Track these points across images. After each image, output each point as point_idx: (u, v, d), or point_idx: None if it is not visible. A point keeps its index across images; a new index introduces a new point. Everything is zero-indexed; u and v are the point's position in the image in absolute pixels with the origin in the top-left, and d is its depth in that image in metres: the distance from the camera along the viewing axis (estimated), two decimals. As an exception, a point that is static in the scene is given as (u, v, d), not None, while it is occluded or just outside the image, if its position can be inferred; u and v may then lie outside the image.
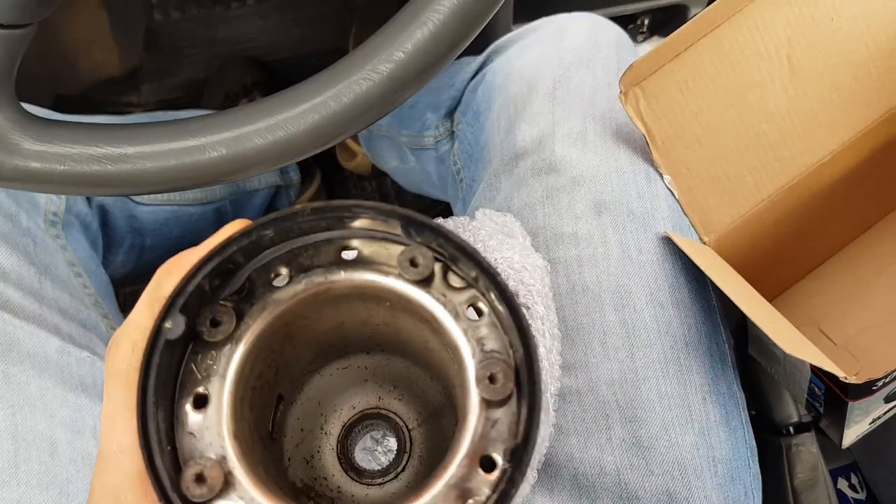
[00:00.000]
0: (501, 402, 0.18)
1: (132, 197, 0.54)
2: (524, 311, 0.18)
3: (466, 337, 0.19)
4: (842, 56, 0.41)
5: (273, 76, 0.94)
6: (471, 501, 0.17)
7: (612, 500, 0.34)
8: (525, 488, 0.31)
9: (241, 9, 0.93)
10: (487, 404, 0.18)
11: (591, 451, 0.35)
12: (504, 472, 0.17)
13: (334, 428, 0.26)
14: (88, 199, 0.49)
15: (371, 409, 0.26)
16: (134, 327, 0.20)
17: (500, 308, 0.18)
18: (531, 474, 0.32)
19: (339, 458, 0.26)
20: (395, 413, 0.26)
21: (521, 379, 0.18)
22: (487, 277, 0.18)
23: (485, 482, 0.17)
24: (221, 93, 0.89)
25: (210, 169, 0.30)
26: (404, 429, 0.26)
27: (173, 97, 0.95)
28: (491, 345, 0.19)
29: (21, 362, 0.37)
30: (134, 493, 0.19)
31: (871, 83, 0.42)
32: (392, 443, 0.26)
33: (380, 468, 0.26)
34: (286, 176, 0.78)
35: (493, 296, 0.19)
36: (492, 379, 0.18)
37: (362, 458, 0.26)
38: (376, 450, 0.28)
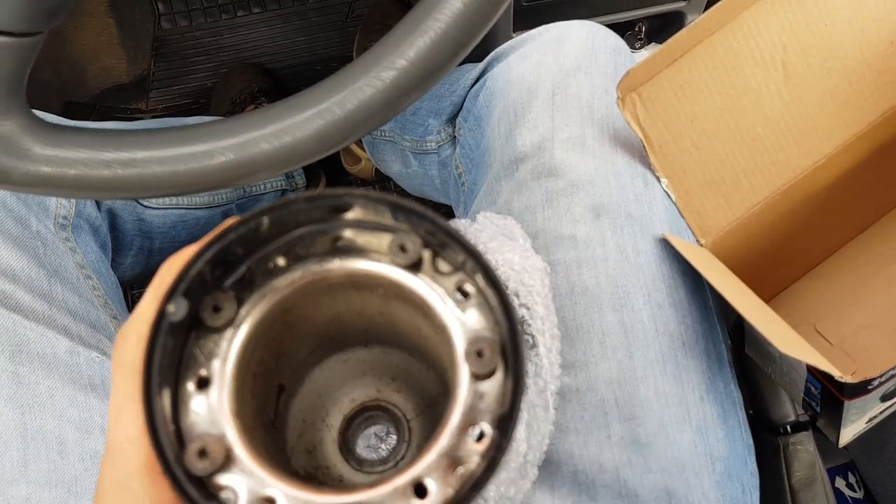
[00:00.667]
0: (488, 375, 0.19)
1: (141, 201, 0.55)
2: (509, 292, 0.19)
3: (455, 317, 0.20)
4: (836, 61, 0.42)
5: (279, 83, 0.95)
6: (461, 468, 0.18)
7: (611, 497, 0.35)
8: (525, 485, 0.32)
9: (246, 17, 0.94)
10: (475, 378, 0.19)
11: (591, 448, 0.35)
12: (492, 440, 0.18)
13: (335, 420, 0.27)
14: (98, 203, 0.50)
15: (370, 401, 0.27)
16: (140, 320, 0.20)
17: (486, 288, 0.20)
18: (532, 471, 0.33)
19: (341, 449, 0.26)
20: (394, 405, 0.27)
21: (506, 353, 0.19)
22: (473, 259, 0.19)
23: (474, 450, 0.18)
24: (228, 99, 0.90)
25: (218, 173, 0.31)
26: (403, 420, 0.27)
27: (181, 104, 0.97)
28: (478, 323, 0.20)
29: (31, 363, 0.38)
30: (141, 481, 0.19)
31: (865, 87, 0.43)
32: (392, 433, 0.27)
33: (380, 458, 0.27)
34: (291, 180, 0.79)
35: (479, 277, 0.20)
36: (479, 354, 0.19)
37: (363, 448, 0.27)
38: (380, 447, 0.29)
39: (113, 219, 0.53)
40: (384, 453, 0.28)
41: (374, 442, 0.29)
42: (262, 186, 0.72)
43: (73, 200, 0.46)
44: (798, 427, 0.46)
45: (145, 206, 0.55)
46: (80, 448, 0.37)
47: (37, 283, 0.40)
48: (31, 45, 0.30)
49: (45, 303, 0.39)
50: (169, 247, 0.59)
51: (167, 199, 0.57)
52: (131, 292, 0.86)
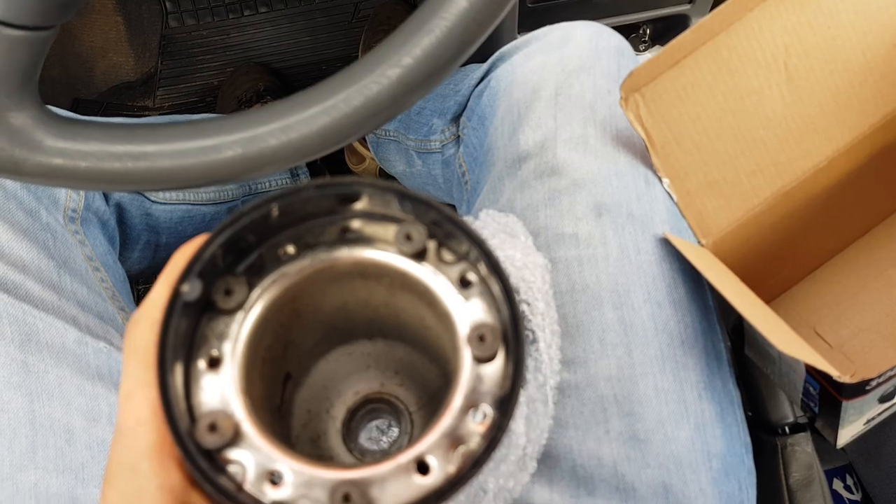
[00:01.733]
0: (490, 359, 0.20)
1: (148, 195, 0.56)
2: (510, 279, 0.20)
3: (458, 305, 0.20)
4: (839, 63, 0.42)
5: (284, 82, 0.96)
6: (462, 447, 0.19)
7: (609, 492, 0.35)
8: (524, 478, 0.32)
9: (253, 17, 0.95)
10: (477, 361, 0.20)
11: (590, 443, 0.36)
12: (493, 420, 0.19)
13: (339, 412, 0.27)
14: (106, 197, 0.51)
15: (374, 394, 0.27)
16: (153, 306, 0.21)
17: (489, 277, 0.20)
18: (531, 465, 0.33)
19: (344, 440, 0.27)
20: (396, 398, 0.27)
21: (507, 339, 0.20)
22: (476, 248, 0.20)
23: (475, 431, 0.19)
24: (234, 98, 0.91)
25: (226, 167, 0.32)
26: (405, 412, 0.27)
27: (187, 102, 0.97)
28: (480, 310, 0.20)
29: (40, 352, 0.38)
30: (150, 463, 0.20)
31: (867, 90, 0.43)
32: (394, 426, 0.28)
33: (382, 450, 0.27)
34: (296, 178, 0.80)
35: (481, 266, 0.20)
36: (481, 338, 0.20)
37: (366, 440, 0.28)
38: (381, 439, 0.29)
39: (121, 213, 0.53)
40: (385, 445, 0.28)
41: (375, 434, 0.29)
42: (267, 184, 0.73)
43: (82, 194, 0.46)
44: (796, 428, 0.46)
45: (152, 201, 0.56)
46: (87, 436, 0.38)
47: (46, 274, 0.40)
48: (43, 38, 0.31)
49: (54, 293, 0.40)
50: (175, 242, 0.60)
51: (174, 195, 0.58)
52: (137, 287, 0.87)
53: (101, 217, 0.49)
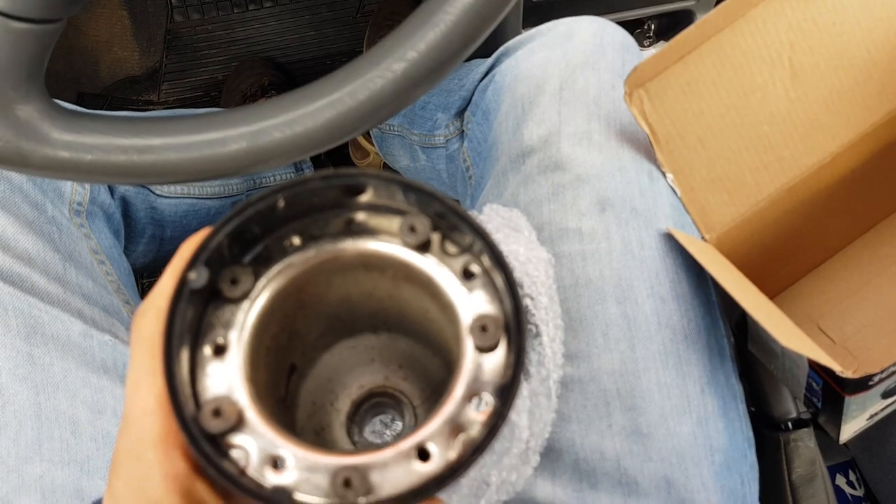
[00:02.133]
0: (491, 349, 0.20)
1: (153, 189, 0.56)
2: (513, 271, 0.20)
3: (461, 296, 0.21)
4: (843, 60, 0.42)
5: (289, 77, 0.96)
6: (463, 435, 0.19)
7: (611, 485, 0.35)
8: (527, 471, 0.33)
9: (258, 11, 0.95)
10: (479, 350, 0.20)
11: (592, 437, 0.36)
12: (494, 408, 0.19)
13: (343, 405, 0.27)
14: (111, 190, 0.51)
15: (378, 388, 0.27)
16: (160, 296, 0.21)
17: (492, 269, 0.20)
18: (533, 458, 0.33)
19: (349, 433, 0.27)
20: (400, 392, 0.27)
21: (509, 329, 0.20)
22: (480, 239, 0.20)
23: (476, 419, 0.19)
24: (239, 93, 0.91)
25: (231, 161, 0.32)
26: (409, 406, 0.27)
27: (192, 96, 0.97)
28: (483, 301, 0.21)
29: (45, 344, 0.38)
30: (156, 452, 0.20)
31: (872, 86, 0.43)
32: (398, 420, 0.28)
33: (386, 443, 0.27)
34: (300, 173, 0.80)
35: (484, 258, 0.20)
36: (483, 328, 0.20)
37: (371, 433, 0.28)
38: (385, 433, 0.29)
39: (126, 206, 0.53)
40: (389, 440, 0.29)
41: (379, 428, 0.30)
42: (271, 178, 0.73)
43: (87, 187, 0.47)
44: (799, 424, 0.46)
45: (157, 195, 0.56)
46: (92, 428, 0.38)
47: (52, 267, 0.40)
48: (50, 31, 0.31)
49: (59, 286, 0.40)
50: (180, 235, 0.60)
51: (179, 188, 0.58)
52: (141, 281, 0.87)
53: (106, 210, 0.49)
